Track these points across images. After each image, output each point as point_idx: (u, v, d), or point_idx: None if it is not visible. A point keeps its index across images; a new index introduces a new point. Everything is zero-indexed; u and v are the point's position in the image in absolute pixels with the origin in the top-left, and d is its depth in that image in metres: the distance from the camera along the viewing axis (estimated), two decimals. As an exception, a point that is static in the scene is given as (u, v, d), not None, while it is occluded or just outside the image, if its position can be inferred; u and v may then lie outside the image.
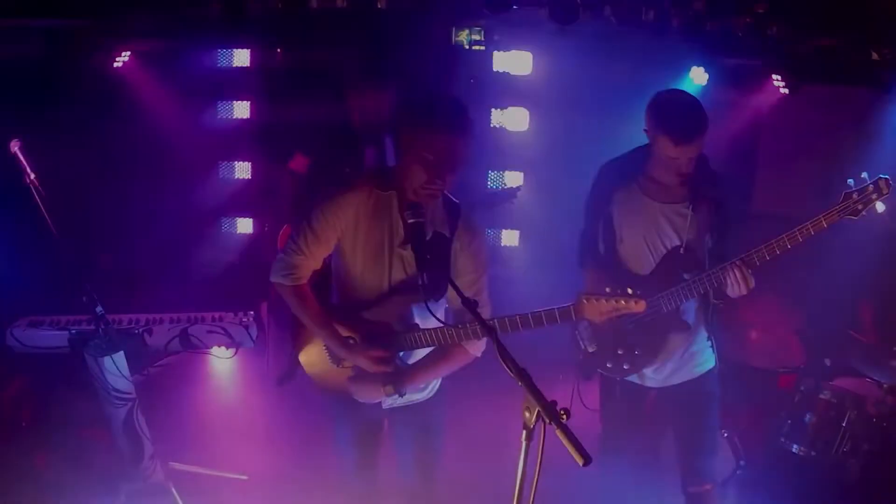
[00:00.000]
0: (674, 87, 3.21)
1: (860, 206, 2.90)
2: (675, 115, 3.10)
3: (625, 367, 3.37)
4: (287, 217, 4.53)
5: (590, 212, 3.46)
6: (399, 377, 2.93)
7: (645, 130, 3.22)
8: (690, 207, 3.22)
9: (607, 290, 2.81)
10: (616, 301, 2.73)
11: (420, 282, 2.72)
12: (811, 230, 2.92)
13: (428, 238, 2.80)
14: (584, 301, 2.76)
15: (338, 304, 3.01)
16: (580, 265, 3.52)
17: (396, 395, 2.94)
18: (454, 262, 2.92)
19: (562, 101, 5.61)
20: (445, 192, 2.80)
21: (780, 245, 2.96)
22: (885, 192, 2.87)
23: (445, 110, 2.72)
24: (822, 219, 2.91)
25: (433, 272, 2.74)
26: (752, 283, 3.04)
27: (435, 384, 3.14)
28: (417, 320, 2.92)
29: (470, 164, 2.82)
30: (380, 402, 3.02)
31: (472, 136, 2.71)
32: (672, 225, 3.26)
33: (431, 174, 2.69)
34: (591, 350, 3.41)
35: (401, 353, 2.96)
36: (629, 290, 2.85)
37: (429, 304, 2.74)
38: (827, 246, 4.51)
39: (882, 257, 4.70)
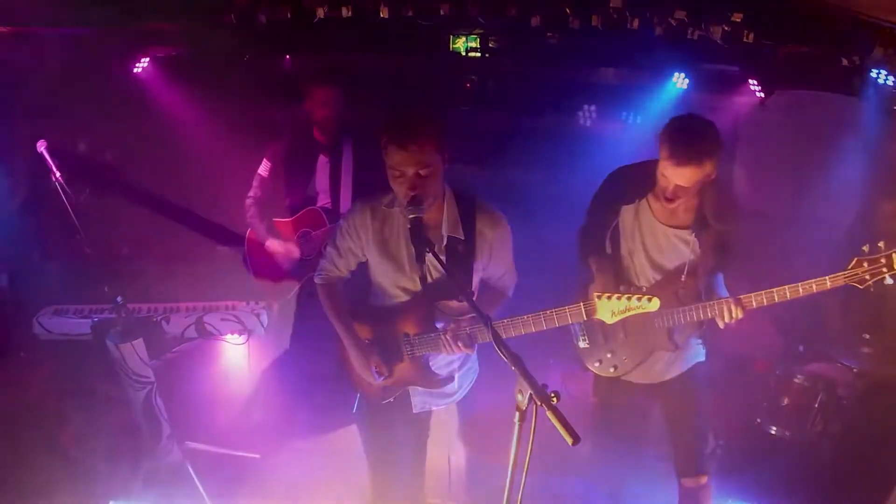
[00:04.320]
0: (687, 113, 2.96)
1: (868, 277, 2.74)
2: (680, 134, 2.84)
3: (611, 369, 3.27)
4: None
5: (596, 214, 3.25)
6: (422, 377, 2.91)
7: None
8: (694, 235, 3.04)
9: (621, 287, 2.73)
10: (629, 299, 2.61)
11: (420, 278, 2.70)
12: (814, 287, 2.77)
13: (444, 244, 2.75)
14: (597, 299, 2.65)
15: (370, 306, 2.99)
16: (582, 259, 3.27)
17: (427, 400, 2.91)
18: (481, 256, 2.82)
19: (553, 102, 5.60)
20: (419, 195, 2.60)
21: (781, 294, 2.80)
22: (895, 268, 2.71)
23: (390, 121, 2.62)
24: (828, 280, 2.77)
25: (445, 274, 2.63)
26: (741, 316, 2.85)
27: (464, 388, 3.09)
28: (436, 323, 2.85)
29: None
30: (410, 406, 2.99)
31: (423, 139, 2.53)
32: (675, 249, 3.09)
33: (397, 184, 2.63)
34: (582, 346, 3.28)
35: (426, 356, 2.89)
36: (643, 288, 2.71)
37: (438, 305, 2.74)
38: (801, 241, 4.55)
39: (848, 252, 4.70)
